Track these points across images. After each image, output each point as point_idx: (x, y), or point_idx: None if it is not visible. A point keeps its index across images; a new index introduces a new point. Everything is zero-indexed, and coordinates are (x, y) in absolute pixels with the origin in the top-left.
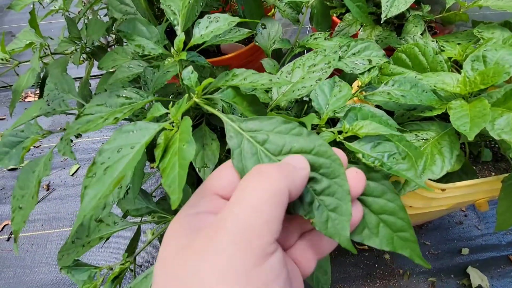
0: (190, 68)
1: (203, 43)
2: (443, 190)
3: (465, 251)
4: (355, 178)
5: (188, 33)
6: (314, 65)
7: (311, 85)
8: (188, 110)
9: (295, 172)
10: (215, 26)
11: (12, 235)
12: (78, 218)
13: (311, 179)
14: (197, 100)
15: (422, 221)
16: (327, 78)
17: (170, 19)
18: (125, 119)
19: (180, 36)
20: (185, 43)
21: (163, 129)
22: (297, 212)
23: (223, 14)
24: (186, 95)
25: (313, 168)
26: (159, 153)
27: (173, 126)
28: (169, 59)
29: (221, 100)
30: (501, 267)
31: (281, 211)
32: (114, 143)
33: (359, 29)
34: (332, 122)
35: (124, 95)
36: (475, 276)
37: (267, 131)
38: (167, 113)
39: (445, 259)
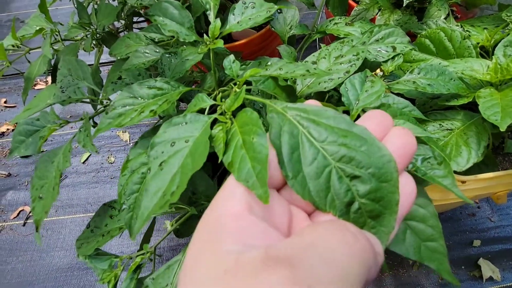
0: (232, 57)
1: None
2: (463, 182)
3: (477, 242)
4: (403, 137)
5: (199, 21)
6: (341, 56)
7: (338, 78)
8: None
9: (374, 258)
10: (251, 13)
11: (28, 220)
12: (140, 219)
13: (355, 177)
14: (238, 90)
15: None
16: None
17: (202, 3)
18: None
19: (216, 23)
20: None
21: (214, 121)
22: (330, 210)
23: None
24: (235, 88)
25: (361, 165)
26: (222, 147)
27: (226, 118)
28: (202, 47)
29: (256, 91)
30: None
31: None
32: (165, 136)
33: (377, 13)
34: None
35: (155, 86)
36: (487, 268)
37: (314, 117)
38: (213, 105)
39: (456, 250)
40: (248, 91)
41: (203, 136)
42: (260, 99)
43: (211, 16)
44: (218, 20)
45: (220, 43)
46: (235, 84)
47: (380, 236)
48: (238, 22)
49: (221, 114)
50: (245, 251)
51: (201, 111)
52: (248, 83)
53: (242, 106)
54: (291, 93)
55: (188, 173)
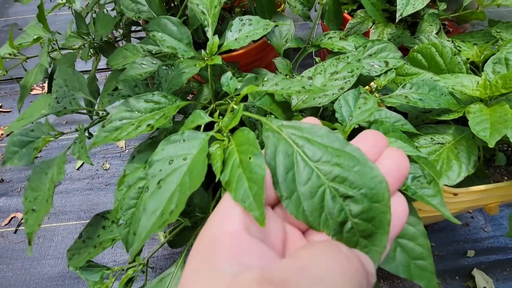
0: (229, 73)
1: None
2: (455, 194)
3: (471, 253)
4: (397, 158)
5: (197, 31)
6: (337, 73)
7: (333, 94)
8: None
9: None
10: (248, 30)
11: (20, 228)
12: (138, 238)
13: (348, 197)
14: (235, 106)
15: (428, 222)
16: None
17: (200, 19)
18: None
19: (214, 39)
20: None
21: (213, 138)
22: (324, 230)
23: (254, 16)
24: (232, 103)
25: (354, 185)
26: (219, 166)
27: (224, 136)
28: (200, 62)
29: (258, 107)
30: (507, 270)
31: None
32: (163, 154)
33: (371, 27)
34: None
35: (153, 100)
36: (480, 278)
37: (308, 135)
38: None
39: (450, 260)
40: (245, 105)
41: (201, 154)
42: (257, 116)
43: (209, 32)
44: (216, 37)
45: (218, 60)
46: (231, 98)
47: (372, 256)
48: (236, 39)
49: (218, 131)
50: (240, 272)
51: (198, 126)
52: (244, 97)
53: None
54: (287, 109)
55: (186, 192)
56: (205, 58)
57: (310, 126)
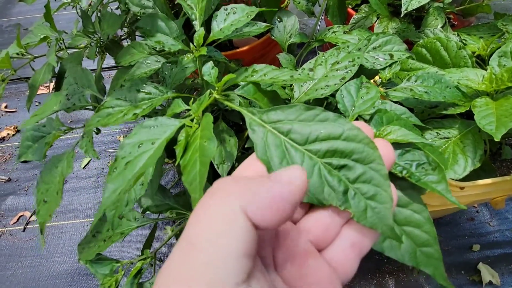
0: (211, 63)
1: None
2: (461, 188)
3: (476, 247)
4: (383, 148)
5: (204, 26)
6: (338, 63)
7: (335, 84)
8: (206, 106)
9: (261, 187)
10: (233, 18)
11: (28, 226)
12: (98, 212)
13: (343, 167)
14: (217, 96)
15: (433, 217)
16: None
17: (187, 13)
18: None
19: (200, 31)
20: (204, 38)
21: (184, 125)
22: (331, 202)
23: (239, 4)
24: (208, 91)
25: (344, 154)
26: (180, 150)
27: (194, 123)
28: (188, 55)
29: (241, 96)
30: None
31: (242, 241)
32: (135, 137)
33: (375, 21)
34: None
35: (144, 90)
36: (486, 272)
37: (290, 120)
38: (187, 110)
39: (455, 255)
40: (226, 95)
41: (169, 139)
42: (235, 107)
43: (197, 25)
44: (202, 29)
45: (203, 51)
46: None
47: (385, 214)
48: (221, 29)
49: (192, 119)
50: None
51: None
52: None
53: (234, 112)
54: (274, 98)
55: (140, 175)
56: (193, 51)
57: (288, 107)
